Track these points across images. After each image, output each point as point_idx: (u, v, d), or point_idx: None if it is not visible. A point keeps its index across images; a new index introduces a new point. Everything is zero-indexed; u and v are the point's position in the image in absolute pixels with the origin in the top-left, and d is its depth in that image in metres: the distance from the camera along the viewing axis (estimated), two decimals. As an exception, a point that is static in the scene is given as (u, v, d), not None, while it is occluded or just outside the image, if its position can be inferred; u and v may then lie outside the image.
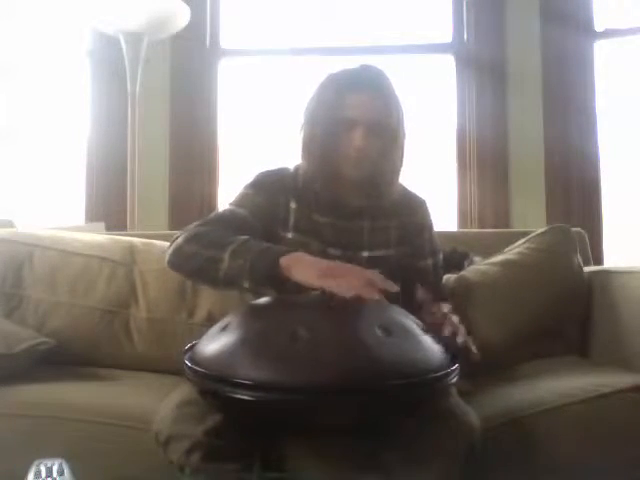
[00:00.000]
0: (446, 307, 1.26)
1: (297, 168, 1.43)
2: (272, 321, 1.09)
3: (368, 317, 1.09)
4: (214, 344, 1.09)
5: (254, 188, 1.40)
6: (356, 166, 1.34)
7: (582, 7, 2.83)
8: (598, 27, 2.84)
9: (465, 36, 2.91)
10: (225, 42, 3.01)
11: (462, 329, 1.20)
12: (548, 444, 1.25)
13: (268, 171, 1.44)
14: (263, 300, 1.21)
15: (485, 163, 2.83)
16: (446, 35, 2.95)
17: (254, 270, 1.16)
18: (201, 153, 2.91)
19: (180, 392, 1.16)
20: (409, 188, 1.48)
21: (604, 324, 1.64)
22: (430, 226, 1.49)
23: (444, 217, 2.83)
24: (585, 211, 2.76)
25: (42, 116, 3.00)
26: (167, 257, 1.30)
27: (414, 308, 1.23)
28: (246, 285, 1.18)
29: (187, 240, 1.27)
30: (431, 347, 1.09)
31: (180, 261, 1.28)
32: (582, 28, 2.81)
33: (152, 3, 2.40)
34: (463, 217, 2.87)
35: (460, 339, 1.17)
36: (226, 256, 1.18)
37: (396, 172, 1.39)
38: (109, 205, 2.83)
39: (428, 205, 1.50)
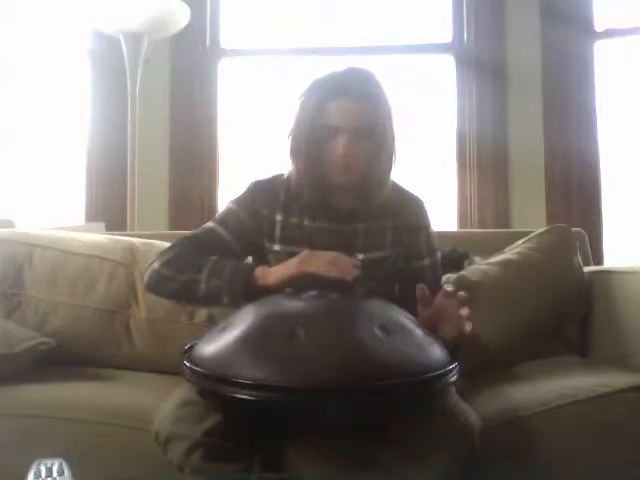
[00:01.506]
0: (449, 286, 1.24)
1: (290, 172, 1.43)
2: (271, 321, 1.10)
3: (367, 317, 1.09)
4: (213, 344, 1.09)
5: (238, 204, 1.43)
6: (343, 172, 1.34)
7: (582, 7, 2.83)
8: (598, 27, 2.84)
9: (465, 36, 2.90)
10: (225, 42, 3.01)
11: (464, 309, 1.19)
12: (548, 444, 1.25)
13: (258, 182, 1.45)
14: (262, 301, 1.21)
15: (485, 163, 2.83)
16: (446, 35, 2.95)
17: (231, 288, 1.29)
18: (201, 153, 2.91)
19: (180, 392, 1.16)
20: (405, 188, 1.48)
21: (604, 324, 1.64)
22: (427, 226, 1.48)
23: (444, 217, 2.83)
24: (585, 211, 2.76)
25: (42, 116, 2.99)
26: (145, 282, 1.40)
27: (412, 308, 1.23)
28: (226, 301, 1.30)
29: (163, 265, 1.36)
30: (430, 346, 1.09)
31: (158, 285, 1.37)
32: (582, 28, 2.81)
33: (152, 3, 2.40)
34: (463, 217, 2.86)
35: (464, 312, 1.17)
36: (203, 279, 1.30)
37: (386, 174, 1.39)
38: (109, 205, 2.83)
39: (425, 205, 1.49)
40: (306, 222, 1.39)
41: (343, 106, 1.31)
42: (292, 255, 1.35)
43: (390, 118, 1.36)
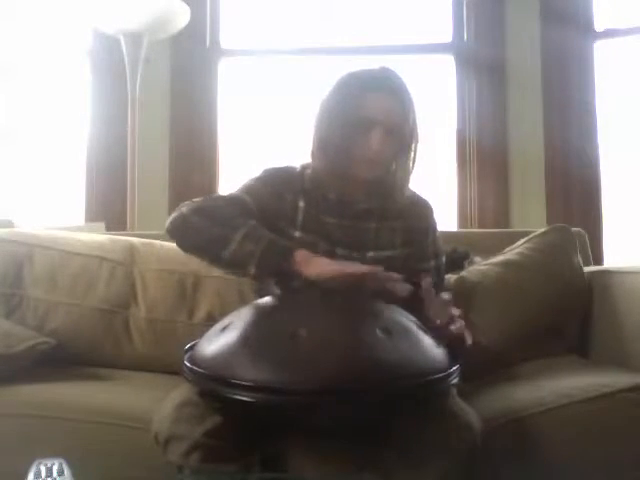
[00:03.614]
0: (447, 295, 1.26)
1: (304, 167, 1.42)
2: (272, 322, 1.10)
3: (369, 318, 1.09)
4: (214, 344, 1.09)
5: (261, 181, 1.38)
6: (370, 167, 1.33)
7: (582, 7, 2.83)
8: (598, 27, 2.84)
9: (465, 36, 2.90)
10: (225, 42, 3.01)
11: (459, 320, 1.21)
12: (548, 444, 1.25)
13: (275, 168, 1.42)
14: (264, 300, 1.21)
15: (485, 163, 2.83)
16: (446, 35, 2.95)
17: (264, 258, 1.17)
18: (201, 153, 2.91)
19: (179, 392, 1.16)
20: (415, 190, 1.48)
21: (604, 324, 1.64)
22: (434, 229, 1.49)
23: (444, 217, 2.83)
24: (585, 211, 2.76)
25: (42, 116, 2.99)
26: (168, 225, 1.28)
27: (416, 308, 1.23)
28: (251, 271, 1.19)
29: (194, 211, 1.25)
30: (432, 348, 1.09)
31: (183, 232, 1.27)
32: (582, 28, 2.81)
33: (152, 3, 2.40)
34: (463, 217, 2.86)
35: (453, 327, 1.19)
36: (236, 238, 1.19)
37: (408, 175, 1.39)
38: (109, 205, 2.83)
39: (433, 208, 1.50)
40: (323, 216, 1.38)
41: (381, 100, 1.31)
42: (311, 245, 1.31)
43: (416, 122, 1.36)
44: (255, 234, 1.20)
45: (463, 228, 2.81)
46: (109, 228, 2.48)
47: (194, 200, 1.29)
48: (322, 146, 1.35)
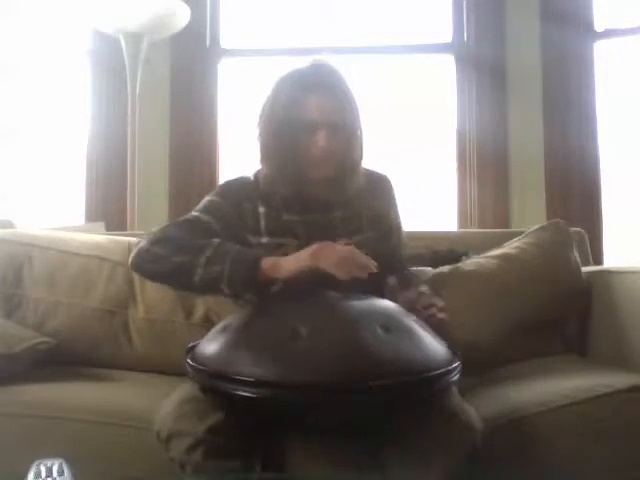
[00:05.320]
0: (423, 287, 1.27)
1: (257, 173, 1.42)
2: (273, 319, 1.10)
3: (369, 315, 1.09)
4: (215, 342, 1.10)
5: (219, 196, 1.40)
6: (321, 166, 1.34)
7: (582, 7, 2.83)
8: (598, 27, 2.84)
9: (465, 36, 2.90)
10: (225, 42, 3.01)
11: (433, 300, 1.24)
12: (548, 444, 1.25)
13: (228, 181, 1.45)
14: (263, 300, 1.21)
15: (485, 163, 2.83)
16: (446, 35, 2.95)
17: (233, 275, 1.19)
18: (201, 153, 2.91)
19: (182, 390, 1.16)
20: (371, 168, 1.48)
21: (604, 324, 1.64)
22: (395, 202, 1.50)
23: (444, 217, 2.83)
24: (585, 211, 2.76)
25: (42, 116, 2.99)
26: (130, 260, 1.30)
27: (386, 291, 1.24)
28: (225, 290, 1.21)
29: (153, 243, 1.27)
30: (432, 345, 1.09)
31: (146, 264, 1.27)
32: (582, 28, 2.81)
33: (152, 3, 2.40)
34: (463, 217, 2.86)
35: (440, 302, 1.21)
36: (201, 262, 1.21)
37: (357, 165, 1.40)
38: (109, 205, 2.83)
39: (391, 181, 1.50)
40: (285, 216, 1.38)
41: (318, 101, 1.32)
42: (280, 247, 1.33)
43: (357, 109, 1.37)
44: (219, 253, 1.21)
45: (463, 228, 2.81)
46: (109, 228, 2.48)
47: (151, 231, 1.31)
48: (269, 153, 1.36)
